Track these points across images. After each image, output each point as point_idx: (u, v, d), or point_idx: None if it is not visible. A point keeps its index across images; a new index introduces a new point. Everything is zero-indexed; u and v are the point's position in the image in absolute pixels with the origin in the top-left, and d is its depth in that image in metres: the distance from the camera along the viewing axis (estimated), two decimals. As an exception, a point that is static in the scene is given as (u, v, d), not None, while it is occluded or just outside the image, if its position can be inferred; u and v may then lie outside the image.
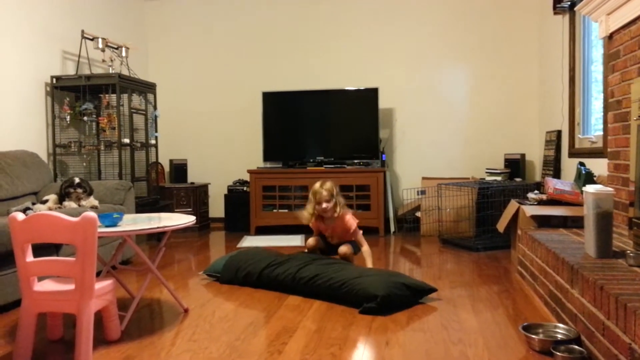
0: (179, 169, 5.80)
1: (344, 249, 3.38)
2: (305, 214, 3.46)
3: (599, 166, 3.55)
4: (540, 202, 3.59)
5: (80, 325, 2.07)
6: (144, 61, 5.93)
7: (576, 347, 2.05)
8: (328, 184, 3.36)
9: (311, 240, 3.52)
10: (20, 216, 2.12)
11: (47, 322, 2.38)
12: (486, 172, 5.16)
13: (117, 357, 2.17)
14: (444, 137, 5.56)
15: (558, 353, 2.01)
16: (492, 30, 5.43)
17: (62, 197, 3.56)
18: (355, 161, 5.35)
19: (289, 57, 5.82)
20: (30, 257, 2.14)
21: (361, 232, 3.47)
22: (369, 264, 3.35)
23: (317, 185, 3.38)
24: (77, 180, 3.58)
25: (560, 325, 2.27)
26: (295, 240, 4.87)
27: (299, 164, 5.47)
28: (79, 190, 3.55)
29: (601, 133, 3.72)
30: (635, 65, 2.80)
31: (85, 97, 4.51)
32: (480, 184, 4.71)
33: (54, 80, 4.47)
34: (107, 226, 2.50)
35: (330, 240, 3.54)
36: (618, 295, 1.73)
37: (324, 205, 3.32)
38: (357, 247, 3.46)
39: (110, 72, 4.69)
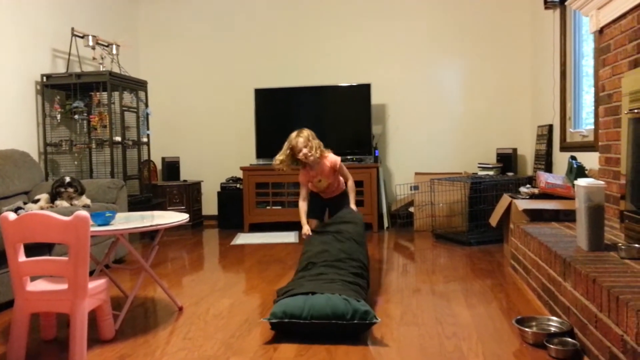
0: (172, 167, 5.77)
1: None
2: (277, 161, 3.40)
3: (590, 160, 3.57)
4: (532, 196, 3.61)
5: (74, 324, 2.07)
6: (135, 58, 5.90)
7: (569, 339, 2.06)
8: (304, 132, 3.38)
9: (300, 205, 3.44)
10: (11, 216, 2.11)
11: (40, 322, 2.36)
12: (478, 167, 5.18)
13: (112, 356, 2.16)
14: (436, 133, 5.58)
15: (551, 346, 2.02)
16: (483, 26, 5.44)
17: (53, 196, 3.54)
18: (348, 157, 5.35)
19: (281, 54, 5.81)
20: (22, 257, 2.13)
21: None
22: (352, 199, 3.46)
23: (293, 134, 3.38)
24: (67, 179, 3.55)
25: (553, 318, 2.29)
26: (289, 237, 4.87)
27: (292, 161, 5.45)
28: (70, 190, 3.52)
29: (592, 127, 3.74)
30: (626, 59, 2.81)
31: (76, 95, 4.47)
32: (472, 178, 4.73)
33: (44, 78, 4.44)
34: (99, 225, 2.49)
35: (323, 195, 3.54)
36: (610, 287, 1.75)
37: (304, 150, 3.31)
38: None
39: (101, 69, 4.66)
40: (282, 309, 2.31)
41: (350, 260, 2.81)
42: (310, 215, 3.46)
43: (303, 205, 3.40)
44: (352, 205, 3.42)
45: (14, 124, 4.17)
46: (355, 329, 2.28)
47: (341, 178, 3.54)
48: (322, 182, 3.46)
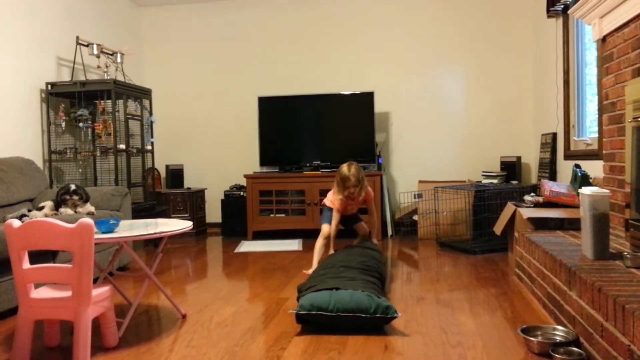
0: (175, 175, 5.78)
1: (362, 229, 3.99)
2: (336, 202, 3.68)
3: (594, 168, 3.57)
4: (537, 205, 3.60)
5: (78, 332, 2.06)
6: (139, 67, 5.93)
7: (575, 349, 2.05)
8: (353, 169, 3.57)
9: (331, 229, 3.71)
10: (16, 223, 2.11)
11: (44, 329, 2.36)
12: (482, 175, 5.17)
13: None
14: (440, 141, 5.58)
15: (557, 355, 2.01)
16: (486, 34, 5.45)
17: (58, 203, 3.54)
18: (352, 165, 5.36)
19: (284, 62, 5.83)
20: (26, 264, 2.13)
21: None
22: (375, 232, 4.00)
23: (345, 170, 3.59)
24: (72, 187, 3.56)
25: (559, 327, 2.27)
26: (292, 245, 4.87)
27: (296, 169, 5.47)
28: (75, 197, 3.54)
29: (596, 135, 3.74)
30: (629, 67, 2.81)
31: (81, 104, 4.50)
32: (476, 186, 4.72)
33: (49, 86, 4.46)
34: (103, 232, 2.50)
35: (345, 213, 3.80)
36: (616, 296, 1.74)
37: (351, 190, 3.56)
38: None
39: (106, 78, 4.69)
40: (310, 302, 2.48)
41: (369, 268, 3.07)
42: (324, 220, 3.76)
43: (322, 244, 3.69)
44: (374, 239, 3.89)
45: (18, 131, 4.20)
46: (377, 323, 2.47)
47: (371, 195, 3.86)
48: (354, 209, 3.83)
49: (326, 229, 3.72)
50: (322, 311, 2.44)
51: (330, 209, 3.77)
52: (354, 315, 2.43)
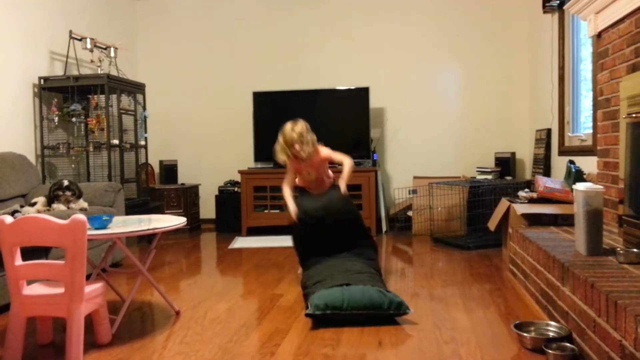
0: (169, 170, 5.76)
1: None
2: (281, 158, 3.37)
3: (588, 164, 3.58)
4: (531, 201, 3.61)
5: (71, 329, 2.05)
6: (133, 61, 5.89)
7: (568, 344, 2.06)
8: (298, 125, 3.27)
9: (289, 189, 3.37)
10: (8, 219, 2.10)
11: (36, 326, 2.35)
12: (477, 171, 5.18)
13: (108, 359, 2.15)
14: (435, 137, 5.58)
15: (550, 351, 2.02)
16: (482, 29, 5.45)
17: (50, 199, 3.52)
18: (347, 161, 5.35)
19: (279, 57, 5.81)
20: (19, 261, 2.11)
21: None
22: (345, 175, 3.33)
23: (288, 126, 3.29)
24: (65, 182, 3.54)
25: (552, 323, 2.28)
26: (287, 241, 4.84)
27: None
28: (68, 193, 3.51)
29: (590, 131, 3.75)
30: (624, 63, 2.81)
31: (74, 98, 4.46)
32: (471, 182, 4.73)
33: (42, 81, 4.43)
34: (96, 228, 2.48)
35: (313, 190, 3.45)
36: (609, 292, 1.74)
37: (296, 146, 3.23)
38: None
39: (99, 72, 4.66)
40: (324, 302, 2.48)
41: (368, 259, 3.12)
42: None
43: (287, 189, 3.34)
44: (342, 182, 3.30)
45: (11, 126, 4.16)
46: (390, 318, 2.52)
47: (330, 172, 3.52)
48: (311, 174, 3.42)
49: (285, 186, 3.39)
50: (337, 310, 2.46)
51: (305, 193, 3.46)
52: (367, 312, 2.48)
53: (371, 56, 5.65)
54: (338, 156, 3.43)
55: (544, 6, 4.53)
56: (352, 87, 5.41)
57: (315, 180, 3.44)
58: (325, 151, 3.40)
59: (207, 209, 5.87)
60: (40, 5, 4.47)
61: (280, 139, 3.31)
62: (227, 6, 5.88)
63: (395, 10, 5.59)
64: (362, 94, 5.31)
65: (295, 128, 3.26)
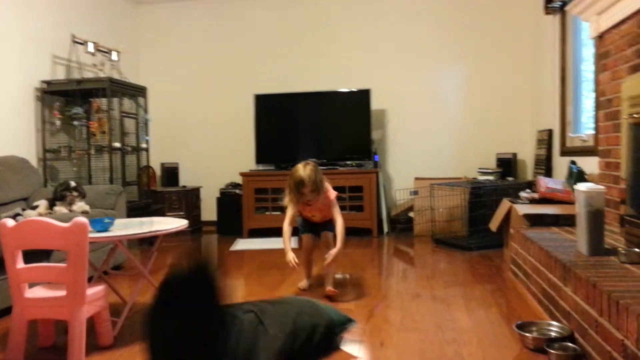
0: (171, 173, 5.77)
1: (326, 239, 3.18)
2: (289, 208, 3.08)
3: (590, 164, 3.57)
4: (532, 201, 3.61)
5: (73, 331, 2.06)
6: (135, 65, 5.90)
7: (570, 344, 2.05)
8: (308, 170, 2.99)
9: (284, 227, 3.08)
10: (10, 222, 2.10)
11: (38, 329, 2.35)
12: (478, 172, 5.17)
13: (110, 363, 2.15)
14: (436, 138, 5.57)
15: (552, 351, 2.02)
16: (484, 30, 5.45)
17: (53, 201, 3.54)
18: (348, 162, 5.35)
19: (281, 59, 5.81)
20: (20, 264, 2.12)
21: (337, 206, 3.16)
22: (339, 242, 3.02)
23: (300, 171, 2.99)
24: (73, 183, 3.57)
25: (554, 323, 2.28)
26: (288, 243, 4.85)
27: (292, 166, 5.41)
28: (75, 194, 3.54)
29: (592, 132, 3.74)
30: (626, 64, 2.81)
31: (76, 102, 4.48)
32: (472, 183, 4.72)
33: (44, 84, 4.44)
34: (98, 231, 2.49)
35: (312, 219, 3.26)
36: (611, 292, 1.74)
37: (308, 196, 3.00)
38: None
39: (101, 76, 4.67)
40: None
41: None
42: (302, 231, 3.28)
43: (288, 230, 3.06)
44: (336, 247, 3.01)
45: (13, 130, 4.17)
46: None
47: (334, 211, 3.15)
48: (315, 217, 3.23)
49: (305, 240, 3.24)
50: None
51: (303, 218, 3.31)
52: None
53: (373, 58, 5.65)
54: (336, 209, 3.14)
55: (545, 7, 4.53)
56: (354, 89, 5.42)
57: (318, 218, 3.24)
58: (331, 194, 3.13)
59: (209, 211, 5.87)
60: (43, 9, 4.49)
61: (291, 183, 3.03)
62: (229, 10, 5.89)
63: (395, 12, 5.59)
64: (363, 95, 5.31)
65: (306, 171, 2.99)
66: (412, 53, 5.58)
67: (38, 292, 2.17)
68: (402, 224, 5.32)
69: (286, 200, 3.11)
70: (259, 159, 5.50)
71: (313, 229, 3.28)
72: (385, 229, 5.32)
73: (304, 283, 3.30)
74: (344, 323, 1.87)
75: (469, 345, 2.23)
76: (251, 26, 5.86)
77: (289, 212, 3.09)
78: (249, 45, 5.86)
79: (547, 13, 4.59)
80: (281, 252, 4.32)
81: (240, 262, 4.17)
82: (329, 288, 3.04)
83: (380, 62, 5.64)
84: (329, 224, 3.20)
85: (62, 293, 2.10)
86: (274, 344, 1.58)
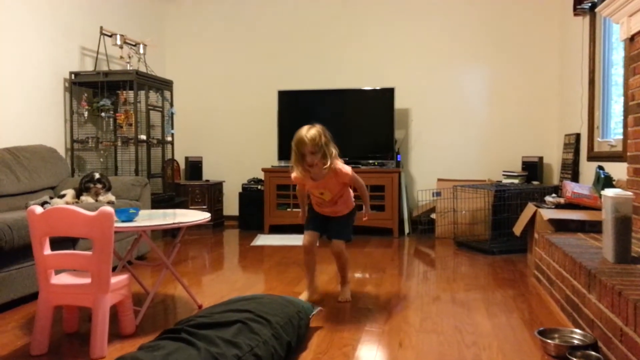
0: (194, 167, 5.83)
1: (337, 249, 2.86)
2: (295, 173, 2.81)
3: (618, 170, 3.50)
4: (558, 206, 3.55)
5: (96, 318, 2.09)
6: (161, 58, 5.98)
7: (593, 353, 2.02)
8: (313, 131, 2.68)
9: (306, 242, 2.88)
10: (38, 210, 2.15)
11: (63, 315, 2.40)
12: (503, 175, 5.11)
13: (132, 351, 2.18)
14: (460, 139, 5.52)
15: (574, 359, 1.98)
16: (511, 31, 5.38)
17: (80, 191, 3.60)
18: (370, 161, 5.34)
19: (305, 56, 5.82)
20: (47, 250, 2.16)
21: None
22: (365, 204, 2.92)
23: (302, 131, 2.71)
24: (97, 175, 3.63)
25: (577, 330, 2.24)
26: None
27: (314, 163, 5.45)
28: (99, 186, 3.60)
29: (621, 137, 3.67)
30: (658, 68, 2.75)
31: (103, 94, 4.55)
32: (496, 186, 4.67)
33: (73, 76, 4.52)
34: (123, 221, 2.53)
35: (320, 208, 2.90)
36: (637, 301, 1.70)
37: (308, 158, 2.66)
38: (348, 234, 2.90)
39: (128, 68, 4.73)
40: None
41: None
42: (307, 226, 2.94)
43: (301, 196, 2.97)
44: (366, 215, 2.91)
45: (42, 120, 4.26)
46: None
47: (350, 193, 2.90)
48: (325, 195, 2.82)
49: (307, 239, 2.89)
50: None
51: (313, 209, 2.97)
52: None
53: (397, 56, 5.62)
54: (360, 183, 2.85)
55: (574, 8, 4.45)
56: (378, 88, 5.40)
57: (329, 202, 2.85)
58: (344, 169, 2.75)
59: (231, 206, 5.92)
60: (72, 1, 4.57)
61: (292, 147, 2.76)
62: (255, 5, 5.91)
63: (421, 10, 5.55)
64: (387, 94, 5.29)
65: (309, 133, 2.68)
66: (437, 52, 5.54)
67: (64, 279, 2.21)
68: (423, 225, 5.29)
69: (292, 175, 2.83)
70: (281, 155, 5.52)
71: (321, 226, 2.92)
72: (407, 229, 5.29)
73: (304, 295, 2.88)
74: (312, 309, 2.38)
75: (488, 349, 2.20)
76: (276, 22, 5.87)
77: (298, 188, 2.97)
78: (274, 41, 5.88)
79: (576, 14, 4.51)
80: (300, 249, 4.35)
81: (261, 257, 4.19)
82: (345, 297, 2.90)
83: (405, 61, 5.60)
84: (342, 224, 2.88)
85: (87, 281, 2.14)
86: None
